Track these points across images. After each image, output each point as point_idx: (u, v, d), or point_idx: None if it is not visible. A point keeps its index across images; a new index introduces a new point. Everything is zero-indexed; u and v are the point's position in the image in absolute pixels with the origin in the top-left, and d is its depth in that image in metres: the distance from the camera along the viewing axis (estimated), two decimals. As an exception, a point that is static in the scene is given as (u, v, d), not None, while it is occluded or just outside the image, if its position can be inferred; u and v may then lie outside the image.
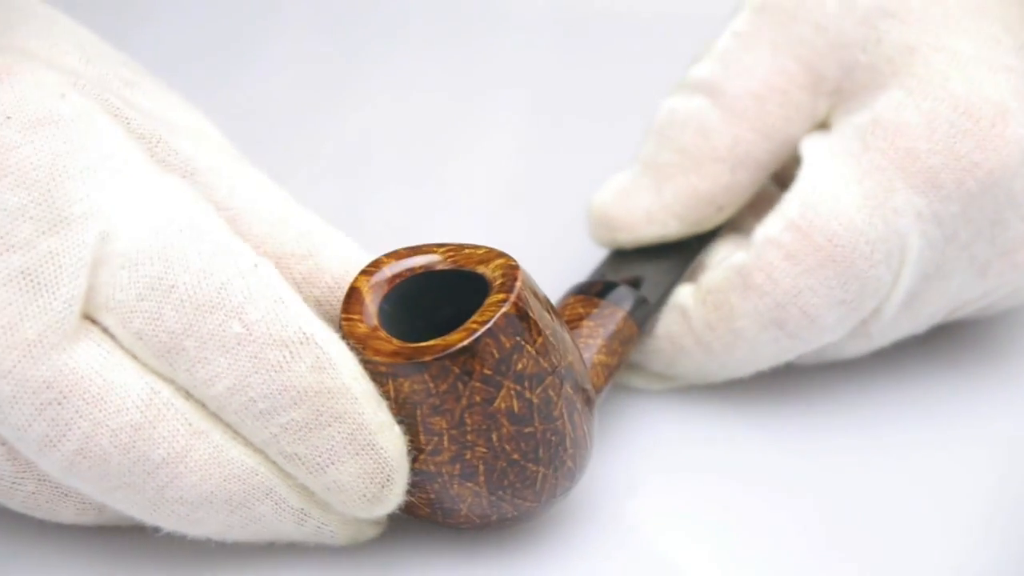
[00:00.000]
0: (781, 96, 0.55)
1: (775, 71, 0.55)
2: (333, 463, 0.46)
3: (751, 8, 0.56)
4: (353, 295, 0.48)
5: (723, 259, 0.55)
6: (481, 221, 0.67)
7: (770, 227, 0.53)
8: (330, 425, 0.46)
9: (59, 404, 0.45)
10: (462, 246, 0.49)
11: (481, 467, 0.47)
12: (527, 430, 0.47)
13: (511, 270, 0.47)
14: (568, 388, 0.48)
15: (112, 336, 0.46)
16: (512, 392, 0.46)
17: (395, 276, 0.49)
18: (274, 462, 0.47)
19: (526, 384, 0.47)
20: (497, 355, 0.46)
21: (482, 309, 0.47)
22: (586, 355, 0.51)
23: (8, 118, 0.47)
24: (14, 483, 0.48)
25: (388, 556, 0.50)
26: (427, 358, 0.46)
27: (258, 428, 0.46)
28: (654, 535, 0.52)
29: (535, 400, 0.47)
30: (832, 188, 0.53)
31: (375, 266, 0.49)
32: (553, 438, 0.47)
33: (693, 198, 0.56)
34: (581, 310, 0.53)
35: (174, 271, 0.46)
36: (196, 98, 0.53)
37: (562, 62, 0.79)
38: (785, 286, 0.53)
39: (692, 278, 0.56)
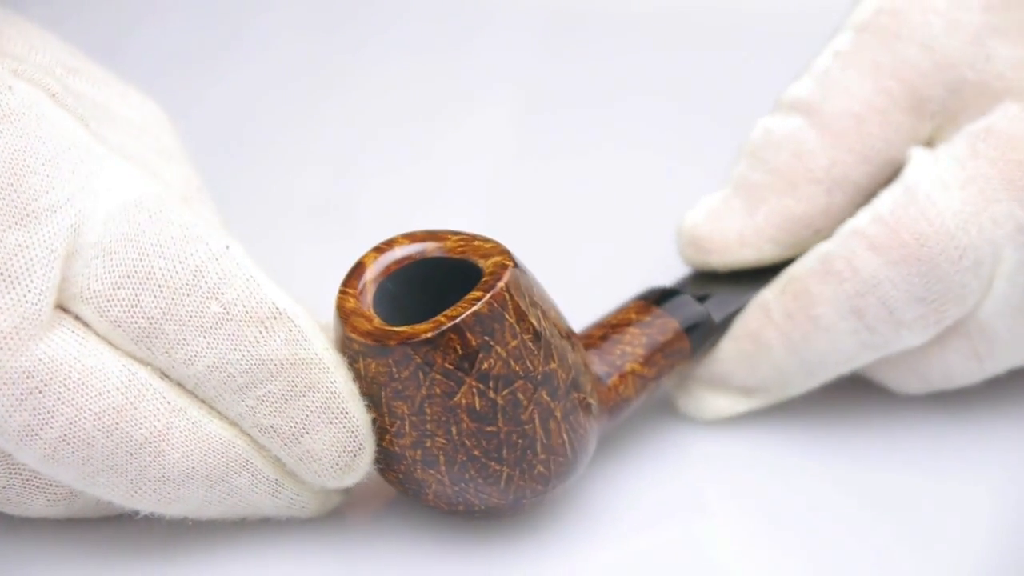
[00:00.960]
0: (881, 117, 0.54)
1: (877, 92, 0.54)
2: (308, 432, 0.48)
3: (853, 28, 0.55)
4: (356, 269, 0.49)
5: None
6: (479, 215, 0.67)
7: (859, 219, 0.52)
8: (304, 395, 0.48)
9: (40, 392, 0.46)
10: (474, 237, 0.49)
11: (441, 457, 0.48)
12: (488, 429, 0.48)
13: (500, 269, 0.48)
14: (544, 394, 0.48)
15: (85, 324, 0.47)
16: (474, 390, 0.47)
17: (404, 258, 0.49)
18: (248, 435, 0.48)
19: (491, 384, 0.47)
20: (460, 351, 0.47)
21: (459, 303, 0.47)
22: (620, 363, 0.51)
23: None
24: None
25: (379, 542, 0.52)
26: (392, 343, 0.47)
27: (235, 402, 0.48)
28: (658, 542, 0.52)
29: (500, 401, 0.47)
30: (929, 189, 0.52)
31: (388, 244, 0.50)
32: (520, 441, 0.48)
33: (788, 221, 0.54)
34: (633, 316, 0.53)
35: (149, 258, 0.47)
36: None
37: (554, 58, 0.79)
38: (865, 275, 0.52)
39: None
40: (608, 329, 0.52)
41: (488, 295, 0.47)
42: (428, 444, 0.48)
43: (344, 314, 0.48)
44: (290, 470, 0.49)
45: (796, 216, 0.54)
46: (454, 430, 0.47)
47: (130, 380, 0.47)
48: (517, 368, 0.47)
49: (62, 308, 0.47)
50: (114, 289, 0.47)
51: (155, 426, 0.47)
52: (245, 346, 0.47)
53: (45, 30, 0.52)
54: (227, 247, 0.47)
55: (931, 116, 0.54)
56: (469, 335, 0.47)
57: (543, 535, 0.51)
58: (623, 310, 0.53)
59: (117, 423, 0.47)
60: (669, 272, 0.60)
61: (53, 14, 0.54)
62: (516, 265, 0.48)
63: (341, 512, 0.52)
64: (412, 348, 0.47)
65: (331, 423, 0.48)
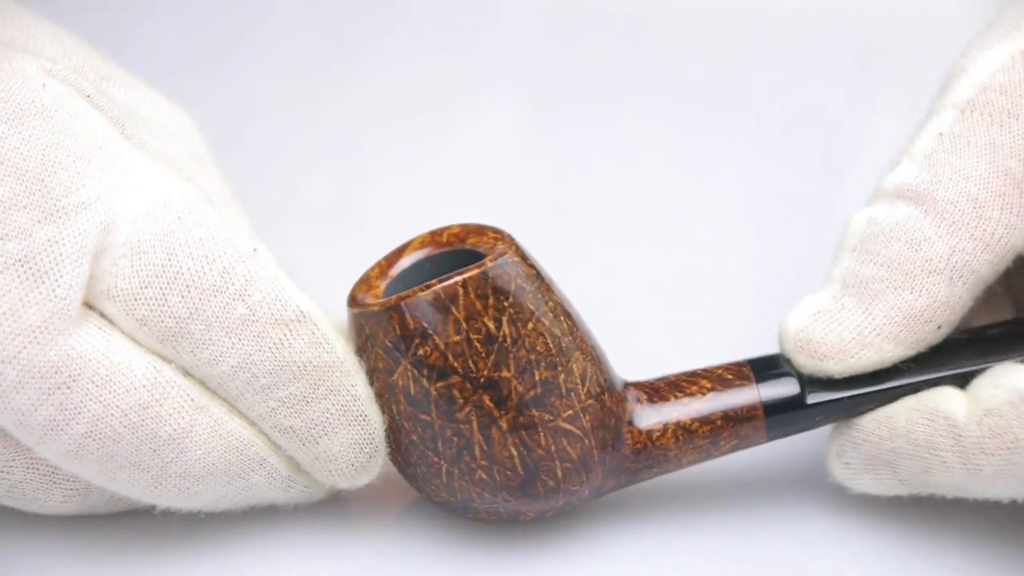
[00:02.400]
0: (1002, 200, 0.50)
1: (995, 173, 0.50)
2: (326, 434, 0.49)
3: (955, 107, 0.51)
4: (405, 247, 0.51)
5: (1001, 373, 0.49)
6: (485, 215, 0.67)
7: None
8: (325, 398, 0.48)
9: (68, 388, 0.46)
10: (503, 235, 0.50)
11: (391, 434, 0.50)
12: (423, 417, 0.48)
13: (475, 267, 0.48)
14: (487, 400, 0.48)
15: (110, 322, 0.48)
16: (409, 373, 0.48)
17: (447, 244, 0.51)
18: (266, 434, 0.49)
19: (425, 372, 0.48)
20: (399, 332, 0.48)
21: (420, 287, 0.48)
22: (671, 410, 0.50)
23: None
24: (1, 472, 0.48)
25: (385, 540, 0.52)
26: (354, 309, 0.49)
27: (257, 402, 0.48)
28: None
29: (433, 392, 0.48)
30: None
31: (440, 232, 0.51)
32: (455, 439, 0.48)
33: (909, 316, 0.50)
34: (720, 371, 0.51)
35: (178, 258, 0.48)
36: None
37: (560, 57, 0.79)
38: None
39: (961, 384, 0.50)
40: (686, 376, 0.51)
41: (440, 287, 0.48)
42: (384, 416, 0.49)
43: (364, 277, 0.50)
44: (304, 469, 0.50)
45: (918, 311, 0.50)
46: (395, 409, 0.49)
47: (155, 377, 0.47)
48: (456, 364, 0.48)
49: (88, 305, 0.48)
50: (142, 288, 0.47)
51: (179, 423, 0.48)
52: (269, 348, 0.48)
53: (78, 37, 0.53)
54: (255, 250, 0.48)
55: None
56: (408, 318, 0.48)
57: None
58: (720, 365, 0.51)
59: (143, 420, 0.47)
60: (671, 273, 0.61)
61: (55, 15, 0.55)
62: (499, 266, 0.48)
63: (345, 502, 0.53)
64: (363, 319, 0.49)
65: (349, 426, 0.49)
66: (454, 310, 0.48)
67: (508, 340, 0.48)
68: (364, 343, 0.49)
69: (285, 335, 0.48)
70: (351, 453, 0.49)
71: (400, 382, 0.48)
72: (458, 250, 0.51)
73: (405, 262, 0.51)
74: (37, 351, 0.46)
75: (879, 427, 0.50)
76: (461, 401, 0.48)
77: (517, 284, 0.48)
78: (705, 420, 0.50)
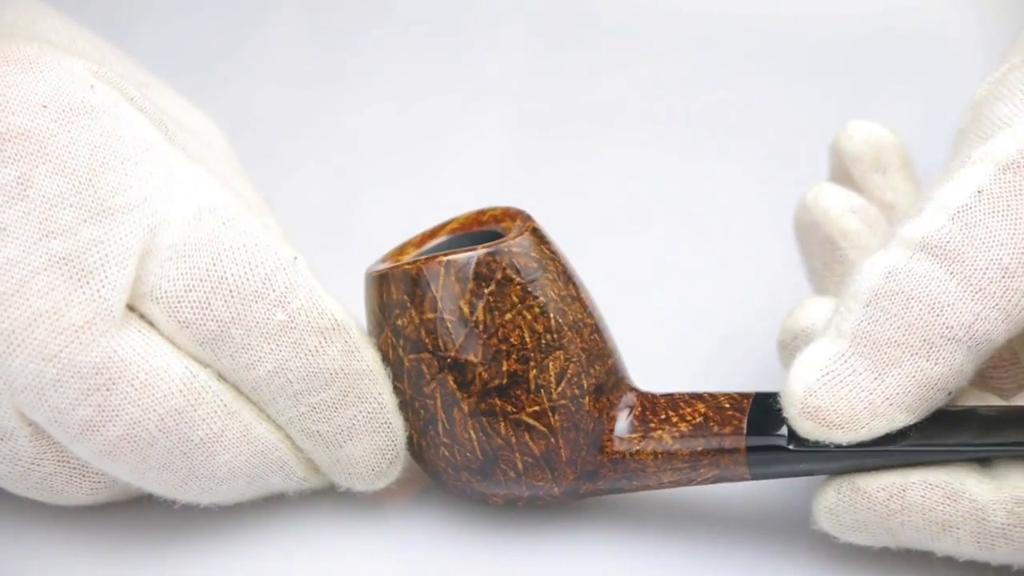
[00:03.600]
0: None
1: None
2: (351, 439, 0.50)
3: (997, 164, 0.48)
4: (449, 222, 0.52)
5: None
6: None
7: None
8: (354, 404, 0.49)
9: (107, 390, 0.47)
10: (527, 223, 0.51)
11: None
12: (397, 384, 0.50)
13: (465, 250, 0.49)
14: (451, 380, 0.49)
15: (150, 324, 0.48)
16: (389, 340, 0.50)
17: (486, 224, 0.52)
18: (289, 437, 0.50)
19: (401, 342, 0.49)
20: (383, 299, 0.50)
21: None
22: (655, 424, 0.50)
23: (44, 107, 0.47)
24: (32, 464, 0.48)
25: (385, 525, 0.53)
26: (371, 272, 0.50)
27: (288, 407, 0.49)
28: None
29: (406, 363, 0.49)
30: None
31: (484, 212, 0.52)
32: (422, 411, 0.50)
33: (923, 386, 0.47)
34: (722, 398, 0.50)
35: (222, 263, 0.48)
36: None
37: (549, 69, 0.79)
38: None
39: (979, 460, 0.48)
40: (689, 396, 0.51)
41: (423, 262, 0.49)
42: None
43: (411, 240, 0.52)
44: (323, 471, 0.51)
45: (933, 379, 0.47)
46: (386, 368, 0.50)
47: (191, 382, 0.48)
48: (427, 340, 0.49)
49: (129, 307, 0.48)
50: (186, 291, 0.48)
51: (211, 428, 0.48)
52: (305, 354, 0.48)
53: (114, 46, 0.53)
54: (295, 258, 0.48)
55: None
56: (392, 287, 0.49)
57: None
58: (726, 393, 0.50)
59: (177, 424, 0.47)
60: (672, 274, 0.62)
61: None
62: (491, 253, 0.49)
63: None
64: (366, 281, 0.50)
65: (374, 432, 0.50)
66: (433, 288, 0.49)
67: (480, 326, 0.49)
68: (366, 302, 0.50)
69: (320, 343, 0.48)
70: (373, 459, 0.50)
71: (383, 347, 0.50)
72: (490, 231, 0.51)
73: (443, 236, 0.52)
74: (78, 351, 0.46)
75: (890, 499, 0.47)
76: (428, 377, 0.49)
77: (506, 274, 0.49)
78: (686, 444, 0.49)
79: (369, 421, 0.50)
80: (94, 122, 0.48)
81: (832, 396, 0.47)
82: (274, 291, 0.48)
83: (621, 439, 0.50)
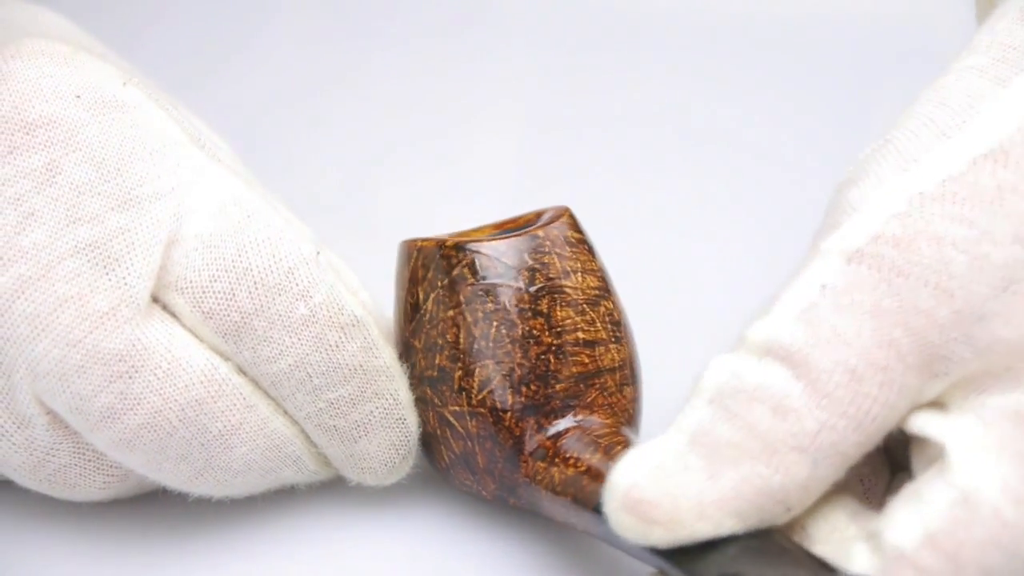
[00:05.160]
0: (883, 376, 0.43)
1: (878, 344, 0.43)
2: (366, 435, 0.50)
3: (842, 254, 0.44)
4: (527, 215, 0.53)
5: (843, 536, 0.43)
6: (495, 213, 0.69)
7: (904, 536, 0.41)
8: (371, 400, 0.50)
9: (130, 377, 0.47)
10: (541, 230, 0.51)
11: None
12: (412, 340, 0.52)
13: (446, 238, 0.51)
14: (404, 360, 0.50)
15: (172, 314, 0.48)
16: (409, 303, 0.51)
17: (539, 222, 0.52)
18: (304, 431, 0.50)
19: (416, 312, 0.51)
20: (411, 270, 0.51)
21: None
22: (548, 475, 0.48)
23: (77, 97, 0.48)
24: (47, 454, 0.48)
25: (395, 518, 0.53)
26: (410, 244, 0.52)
27: (306, 402, 0.49)
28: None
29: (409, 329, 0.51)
30: (993, 499, 0.41)
31: (546, 210, 0.52)
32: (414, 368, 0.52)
33: (760, 493, 0.42)
34: (596, 460, 0.47)
35: (248, 254, 0.48)
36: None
37: (559, 69, 0.80)
38: None
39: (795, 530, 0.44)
40: (608, 443, 0.48)
41: (411, 242, 0.51)
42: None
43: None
44: (335, 465, 0.51)
45: (771, 489, 0.42)
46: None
47: (212, 374, 0.48)
48: (400, 314, 0.51)
49: (152, 297, 0.48)
50: (211, 281, 0.48)
51: (230, 420, 0.48)
52: (325, 349, 0.49)
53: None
54: (317, 253, 0.49)
55: (943, 377, 0.43)
56: (417, 262, 0.50)
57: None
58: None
59: (197, 415, 0.48)
60: (673, 275, 0.62)
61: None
62: (461, 247, 0.50)
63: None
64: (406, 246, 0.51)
65: (389, 428, 0.50)
66: (407, 268, 0.51)
67: (427, 316, 0.50)
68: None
69: (341, 338, 0.49)
70: (387, 454, 0.50)
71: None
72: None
73: (511, 228, 0.52)
74: (103, 337, 0.46)
75: None
76: (401, 349, 0.51)
77: (462, 272, 0.49)
78: (566, 489, 0.47)
79: (385, 417, 0.50)
80: (125, 115, 0.49)
81: (658, 492, 0.42)
82: (297, 285, 0.48)
83: (532, 464, 0.49)
